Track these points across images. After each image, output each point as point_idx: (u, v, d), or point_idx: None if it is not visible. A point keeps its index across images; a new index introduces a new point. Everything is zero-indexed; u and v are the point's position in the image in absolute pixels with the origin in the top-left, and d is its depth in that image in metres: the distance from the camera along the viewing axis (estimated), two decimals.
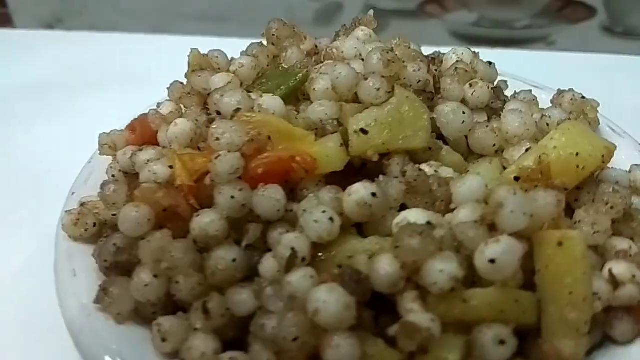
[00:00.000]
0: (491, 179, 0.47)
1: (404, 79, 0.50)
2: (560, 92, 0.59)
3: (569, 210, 0.47)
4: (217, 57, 0.57)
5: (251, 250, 0.43)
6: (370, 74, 0.47)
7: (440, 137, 0.50)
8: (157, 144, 0.53)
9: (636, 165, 0.51)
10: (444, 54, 0.60)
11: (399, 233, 0.39)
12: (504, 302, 0.38)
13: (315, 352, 0.37)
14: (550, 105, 0.59)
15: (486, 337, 0.37)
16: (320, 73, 0.50)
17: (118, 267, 0.43)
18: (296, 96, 0.52)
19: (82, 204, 0.50)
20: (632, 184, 0.50)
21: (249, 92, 0.51)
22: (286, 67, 0.54)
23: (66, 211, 0.49)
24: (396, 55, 0.49)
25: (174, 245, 0.41)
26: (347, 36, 0.57)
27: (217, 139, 0.43)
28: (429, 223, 0.39)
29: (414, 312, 0.38)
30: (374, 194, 0.42)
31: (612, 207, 0.44)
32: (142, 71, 0.88)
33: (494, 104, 0.55)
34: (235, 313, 0.40)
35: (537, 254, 0.39)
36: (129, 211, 0.43)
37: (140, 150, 0.50)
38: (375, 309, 0.40)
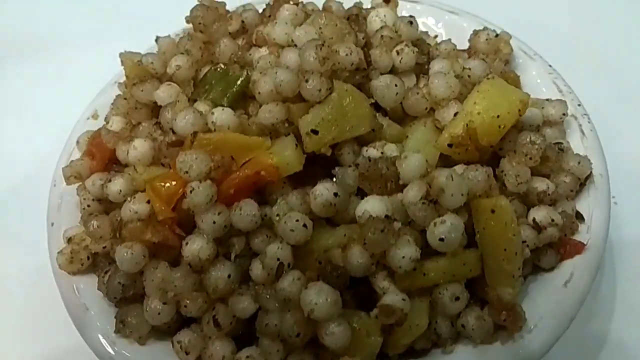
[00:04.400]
0: (427, 141, 0.54)
1: (339, 63, 0.53)
2: (475, 32, 0.64)
3: (495, 156, 0.55)
4: (151, 62, 0.57)
5: (239, 258, 0.49)
6: (309, 73, 0.50)
7: (379, 106, 0.56)
8: (117, 162, 0.56)
9: (547, 100, 0.59)
10: (365, 9, 0.63)
11: (364, 229, 0.46)
12: (454, 268, 0.47)
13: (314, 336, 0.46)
14: (469, 38, 0.65)
15: (444, 297, 0.47)
16: (261, 73, 0.52)
17: (127, 299, 0.49)
18: (242, 96, 0.55)
19: (69, 240, 0.54)
20: (545, 118, 0.58)
21: (194, 100, 0.54)
22: (223, 65, 0.56)
23: (58, 252, 0.53)
24: (328, 47, 0.52)
25: (174, 275, 0.47)
26: (273, 18, 0.59)
27: (186, 172, 0.47)
28: (387, 217, 0.47)
29: (387, 290, 0.46)
30: (335, 194, 0.48)
31: (530, 158, 0.52)
32: None
33: (420, 59, 0.60)
34: (240, 317, 0.48)
35: (475, 218, 0.48)
36: (124, 252, 0.47)
37: (109, 181, 0.53)
38: (352, 285, 0.49)
